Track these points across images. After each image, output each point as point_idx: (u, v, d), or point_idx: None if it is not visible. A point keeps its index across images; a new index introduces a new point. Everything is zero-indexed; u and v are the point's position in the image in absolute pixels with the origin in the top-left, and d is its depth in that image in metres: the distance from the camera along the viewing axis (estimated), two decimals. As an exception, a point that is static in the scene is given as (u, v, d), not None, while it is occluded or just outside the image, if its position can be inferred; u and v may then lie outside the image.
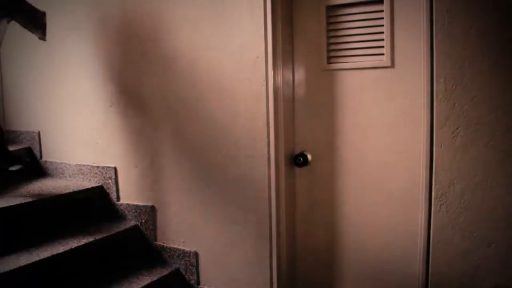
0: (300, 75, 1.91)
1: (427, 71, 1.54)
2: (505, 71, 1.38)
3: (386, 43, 1.67)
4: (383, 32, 1.67)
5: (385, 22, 1.66)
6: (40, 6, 2.15)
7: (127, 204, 2.36)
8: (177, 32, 2.07)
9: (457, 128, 1.48)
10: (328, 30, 1.81)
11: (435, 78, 1.51)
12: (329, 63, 1.82)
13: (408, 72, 1.64)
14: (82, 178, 2.52)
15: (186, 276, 2.17)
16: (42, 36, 2.14)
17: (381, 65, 1.69)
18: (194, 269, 2.14)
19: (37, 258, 1.84)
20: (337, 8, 1.78)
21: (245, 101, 1.90)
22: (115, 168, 2.39)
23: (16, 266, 1.75)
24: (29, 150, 2.75)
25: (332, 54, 1.81)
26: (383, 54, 1.68)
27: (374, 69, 1.72)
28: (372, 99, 1.74)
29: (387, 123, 1.71)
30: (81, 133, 2.51)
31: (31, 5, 2.08)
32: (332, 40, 1.81)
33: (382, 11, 1.66)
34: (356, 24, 1.74)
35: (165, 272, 2.12)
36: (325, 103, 1.85)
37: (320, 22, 1.81)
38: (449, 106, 1.49)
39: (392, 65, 1.67)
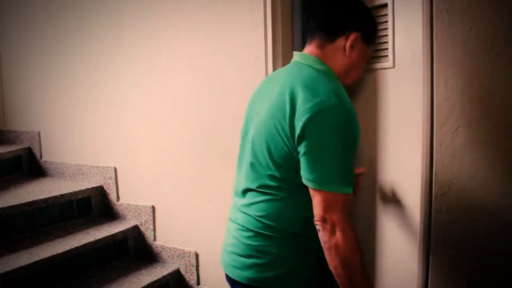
0: (300, 75, 1.91)
1: (427, 71, 1.53)
2: (505, 71, 1.38)
3: (390, 45, 1.66)
4: (387, 35, 1.67)
5: (389, 25, 1.65)
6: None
7: (127, 204, 2.36)
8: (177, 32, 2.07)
9: (457, 128, 1.48)
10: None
11: (435, 78, 1.51)
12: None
13: (409, 72, 1.64)
14: (82, 178, 2.52)
15: (186, 276, 2.17)
16: None
17: (384, 67, 1.69)
18: (194, 269, 2.14)
19: (37, 258, 1.84)
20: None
21: (245, 101, 1.90)
22: (115, 168, 2.39)
23: (16, 266, 1.76)
24: (29, 150, 2.75)
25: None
26: (387, 56, 1.68)
27: (377, 71, 1.71)
28: (374, 99, 1.74)
29: (388, 123, 1.71)
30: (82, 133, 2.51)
31: None
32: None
33: (386, 14, 1.66)
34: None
35: (165, 272, 2.12)
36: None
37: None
38: (449, 106, 1.49)
39: (394, 66, 1.67)
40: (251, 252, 1.14)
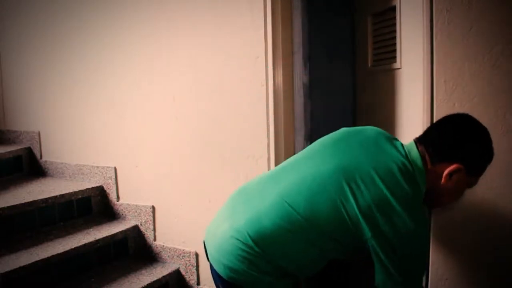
0: (300, 75, 1.91)
1: (427, 71, 1.53)
2: (505, 72, 1.38)
3: (398, 46, 1.66)
4: (395, 37, 1.66)
5: (397, 27, 1.65)
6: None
7: (127, 204, 2.36)
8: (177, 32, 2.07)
9: (457, 128, 1.48)
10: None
11: (435, 78, 1.51)
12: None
13: (412, 73, 1.63)
14: (82, 178, 2.52)
15: (186, 276, 2.17)
16: None
17: (394, 67, 1.68)
18: (194, 269, 2.14)
19: (37, 258, 1.84)
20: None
21: (245, 101, 1.90)
22: (115, 168, 2.39)
23: (16, 266, 1.75)
24: (29, 150, 2.75)
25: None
26: (395, 57, 1.68)
27: (389, 71, 1.71)
28: (379, 100, 1.74)
29: (391, 124, 1.71)
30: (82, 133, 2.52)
31: None
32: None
33: (395, 17, 1.66)
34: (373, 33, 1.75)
35: (165, 272, 2.12)
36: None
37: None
38: (449, 106, 1.48)
39: (401, 67, 1.67)
40: (239, 257, 1.14)
